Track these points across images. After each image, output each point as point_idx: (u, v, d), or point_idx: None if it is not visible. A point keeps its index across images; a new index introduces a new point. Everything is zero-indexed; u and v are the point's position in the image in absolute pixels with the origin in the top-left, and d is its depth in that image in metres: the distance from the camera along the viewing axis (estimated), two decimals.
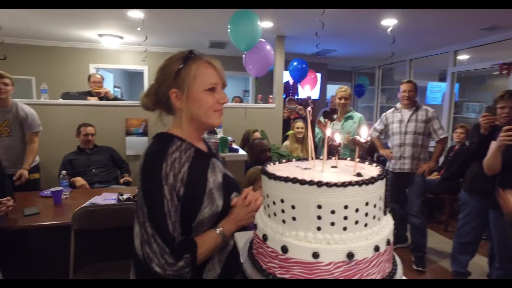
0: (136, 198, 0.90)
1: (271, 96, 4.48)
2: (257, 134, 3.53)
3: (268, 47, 3.35)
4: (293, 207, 0.60)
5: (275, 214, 0.63)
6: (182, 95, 0.91)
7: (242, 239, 0.80)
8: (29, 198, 2.48)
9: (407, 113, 2.93)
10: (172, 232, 0.84)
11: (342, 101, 3.01)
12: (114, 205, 2.24)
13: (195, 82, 0.91)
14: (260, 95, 4.57)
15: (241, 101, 6.21)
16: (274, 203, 0.63)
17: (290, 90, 5.52)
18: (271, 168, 0.71)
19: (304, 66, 4.54)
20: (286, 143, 3.85)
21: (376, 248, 0.58)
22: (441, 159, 4.56)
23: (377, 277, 0.60)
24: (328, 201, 0.57)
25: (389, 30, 3.62)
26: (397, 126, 2.96)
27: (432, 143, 3.01)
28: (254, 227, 0.71)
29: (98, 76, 3.96)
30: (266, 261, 0.64)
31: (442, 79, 6.53)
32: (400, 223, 3.20)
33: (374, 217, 0.61)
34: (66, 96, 3.77)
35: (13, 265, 1.99)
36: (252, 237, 0.75)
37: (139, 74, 6.13)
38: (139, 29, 3.41)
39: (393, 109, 3.07)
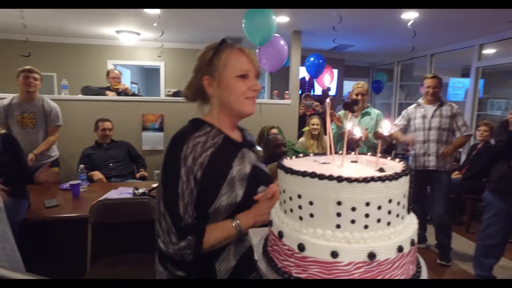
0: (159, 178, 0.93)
1: (287, 92, 4.44)
2: (274, 131, 3.50)
3: (282, 42, 3.32)
4: (311, 203, 0.56)
5: (291, 210, 0.60)
6: (214, 81, 0.93)
7: (256, 235, 0.78)
8: (49, 191, 2.55)
9: (430, 109, 2.81)
10: (182, 213, 0.86)
11: (359, 97, 2.94)
12: (130, 199, 2.28)
13: (226, 68, 0.92)
14: (276, 91, 4.53)
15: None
16: (290, 198, 0.60)
17: (306, 86, 5.44)
18: (288, 162, 0.68)
19: (321, 61, 4.46)
20: (302, 139, 3.80)
21: (400, 249, 0.54)
22: (463, 157, 4.40)
23: None
24: (348, 198, 0.53)
25: (409, 23, 3.50)
26: (420, 121, 2.84)
27: None
28: (269, 223, 0.68)
29: (117, 71, 4.04)
30: (282, 259, 0.61)
31: (465, 74, 6.28)
32: (419, 224, 3.10)
33: (397, 216, 0.57)
34: (86, 89, 3.86)
35: (35, 254, 2.05)
36: (266, 234, 0.73)
37: (156, 70, 6.19)
38: (155, 24, 3.43)
39: (415, 104, 2.95)
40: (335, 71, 6.12)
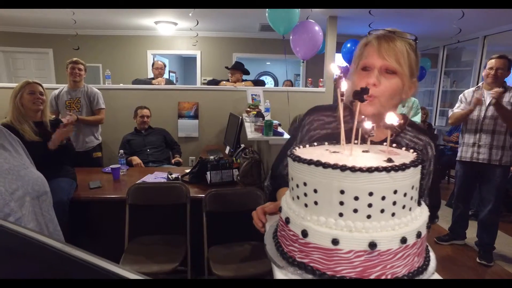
0: None
1: (321, 79, 4.34)
2: None
3: (317, 27, 3.21)
4: (315, 191, 0.57)
5: (298, 197, 0.62)
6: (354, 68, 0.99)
7: (270, 220, 0.81)
8: (93, 173, 2.76)
9: (490, 95, 2.51)
10: (279, 167, 1.05)
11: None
12: (163, 183, 2.40)
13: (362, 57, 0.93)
14: (310, 79, 4.45)
15: (292, 85, 6.12)
16: (297, 186, 0.62)
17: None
18: (299, 150, 0.69)
19: None
20: None
21: (403, 240, 0.54)
22: None
23: (403, 271, 0.55)
24: (351, 187, 0.53)
25: None
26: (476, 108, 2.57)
27: None
28: (279, 209, 0.70)
29: (160, 63, 4.25)
30: (287, 244, 0.63)
31: None
32: (461, 221, 2.90)
33: (403, 207, 0.56)
34: (135, 81, 4.12)
35: (80, 230, 2.25)
36: (278, 220, 0.75)
37: (193, 58, 6.34)
38: (190, 14, 3.50)
39: (474, 88, 2.69)
40: None
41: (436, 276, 0.60)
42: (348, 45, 4.34)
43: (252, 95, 3.53)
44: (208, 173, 2.38)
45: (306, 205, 0.60)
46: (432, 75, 6.19)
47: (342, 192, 0.54)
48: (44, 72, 5.72)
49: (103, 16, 4.71)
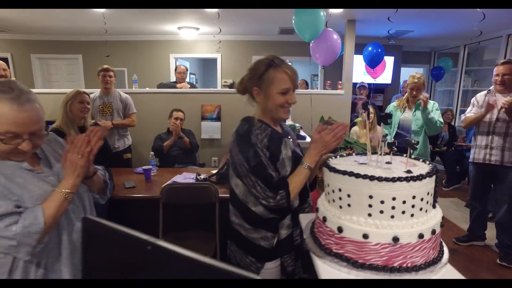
0: (232, 160, 1.22)
1: (340, 82, 4.43)
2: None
3: (335, 36, 3.33)
4: (348, 195, 0.72)
5: (333, 201, 0.76)
6: (261, 92, 1.20)
7: (305, 219, 0.95)
8: (125, 174, 2.96)
9: (501, 98, 2.56)
10: (271, 174, 1.14)
11: (414, 93, 2.85)
12: (194, 184, 2.57)
13: (272, 85, 1.17)
14: (328, 81, 4.54)
15: (306, 84, 6.18)
16: (333, 191, 0.76)
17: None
18: (333, 162, 0.84)
19: (379, 50, 4.33)
20: (355, 128, 3.82)
21: (421, 236, 0.68)
22: None
23: (421, 261, 0.69)
24: (378, 193, 0.67)
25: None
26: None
27: None
28: (316, 210, 0.85)
29: (183, 67, 4.42)
30: (325, 238, 0.77)
31: None
32: (479, 221, 2.95)
33: (421, 209, 0.70)
34: (160, 85, 4.33)
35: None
36: (313, 219, 0.89)
37: (213, 61, 6.52)
38: (215, 22, 3.66)
39: (486, 91, 2.75)
40: (391, 59, 5.87)
41: (452, 270, 0.73)
42: (370, 48, 4.39)
43: None
44: None
45: (340, 207, 0.74)
46: (452, 75, 6.14)
47: (370, 197, 0.69)
48: (74, 76, 6.05)
49: (130, 23, 4.95)
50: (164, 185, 2.40)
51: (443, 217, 0.76)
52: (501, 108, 2.54)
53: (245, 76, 1.25)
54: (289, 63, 1.21)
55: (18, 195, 0.95)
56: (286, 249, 1.15)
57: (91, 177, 1.19)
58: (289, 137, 1.31)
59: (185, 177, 2.82)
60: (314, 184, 1.44)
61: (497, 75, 2.58)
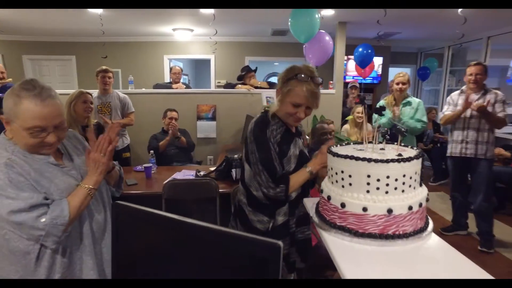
0: (246, 147, 1.37)
1: (331, 82, 4.58)
2: (332, 126, 3.57)
3: (327, 37, 3.49)
4: (349, 176, 0.85)
5: (336, 181, 0.89)
6: (279, 94, 1.35)
7: (309, 202, 1.08)
8: (125, 172, 3.03)
9: (474, 97, 2.80)
10: (278, 169, 1.28)
11: (400, 86, 3.01)
12: (195, 180, 2.67)
13: (288, 94, 1.30)
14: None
15: None
16: (336, 173, 0.89)
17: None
18: (335, 149, 0.97)
19: (369, 51, 4.53)
20: (346, 126, 3.96)
21: (410, 208, 0.81)
22: None
23: (410, 229, 0.83)
24: (374, 173, 0.81)
25: (459, 10, 3.45)
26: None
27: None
28: (320, 191, 0.98)
29: (178, 68, 4.51)
30: (329, 214, 0.90)
31: None
32: (460, 211, 3.16)
33: (410, 186, 0.84)
34: (156, 85, 4.41)
35: None
36: (317, 201, 1.02)
37: (205, 62, 6.61)
38: (210, 24, 3.77)
39: (459, 91, 2.98)
40: (379, 59, 6.08)
41: (438, 240, 0.86)
42: (360, 49, 4.58)
43: (266, 97, 3.78)
44: (233, 170, 2.65)
45: (343, 186, 0.87)
46: (437, 74, 6.40)
47: (368, 176, 0.82)
48: (67, 77, 6.06)
49: (125, 25, 5.01)
50: (166, 181, 2.49)
51: (428, 197, 0.89)
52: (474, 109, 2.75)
53: (281, 73, 1.38)
54: (319, 81, 1.31)
55: (46, 188, 1.04)
56: (281, 235, 1.29)
57: (110, 172, 1.29)
58: (301, 137, 1.45)
59: (185, 174, 2.90)
60: (314, 182, 1.58)
61: (471, 74, 2.81)
